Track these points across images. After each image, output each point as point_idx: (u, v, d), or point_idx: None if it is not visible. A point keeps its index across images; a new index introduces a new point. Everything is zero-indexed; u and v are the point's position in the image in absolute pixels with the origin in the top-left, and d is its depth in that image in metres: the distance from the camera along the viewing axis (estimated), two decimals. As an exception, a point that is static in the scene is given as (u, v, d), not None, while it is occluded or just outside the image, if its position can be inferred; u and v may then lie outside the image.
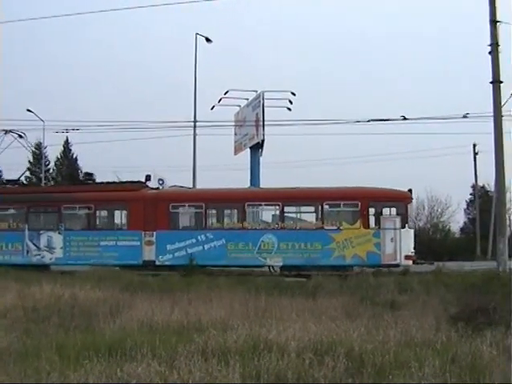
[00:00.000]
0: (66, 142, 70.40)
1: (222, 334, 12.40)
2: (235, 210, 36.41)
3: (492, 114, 32.28)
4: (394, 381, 9.38)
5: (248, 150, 49.19)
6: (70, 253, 36.21)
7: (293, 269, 33.98)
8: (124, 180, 39.53)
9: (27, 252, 36.52)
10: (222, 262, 34.82)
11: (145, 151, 79.87)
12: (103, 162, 78.45)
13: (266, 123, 46.37)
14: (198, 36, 51.91)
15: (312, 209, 35.94)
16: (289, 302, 18.36)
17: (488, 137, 33.27)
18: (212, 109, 50.49)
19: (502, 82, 32.21)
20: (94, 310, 16.92)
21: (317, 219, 35.01)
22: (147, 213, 35.48)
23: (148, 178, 38.12)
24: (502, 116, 32.28)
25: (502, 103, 32.62)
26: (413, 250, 34.25)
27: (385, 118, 40.86)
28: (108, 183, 38.73)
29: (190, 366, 9.98)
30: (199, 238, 34.85)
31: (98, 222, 37.95)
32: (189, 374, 9.54)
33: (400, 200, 34.59)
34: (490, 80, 32.30)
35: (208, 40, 52.65)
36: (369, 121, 40.92)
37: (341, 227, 34.44)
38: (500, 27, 32.13)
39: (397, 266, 33.81)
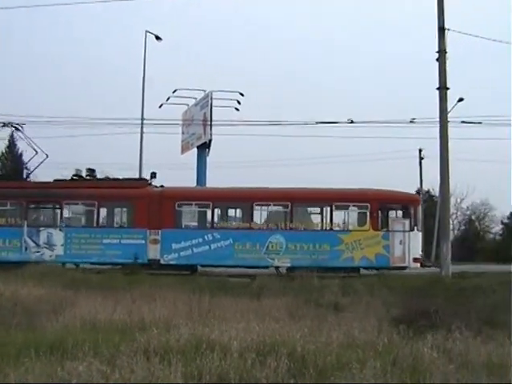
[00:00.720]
0: (11, 137, 69.94)
1: (165, 334, 11.69)
2: (243, 210, 35.26)
3: (438, 119, 32.90)
4: (336, 382, 8.96)
5: (195, 149, 48.40)
6: (71, 250, 34.34)
7: (300, 270, 32.01)
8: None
9: (26, 249, 34.43)
10: (228, 263, 33.56)
11: (93, 148, 79.19)
12: (50, 158, 77.05)
13: (213, 123, 45.73)
14: (148, 34, 51.77)
15: (321, 209, 34.87)
16: (233, 302, 17.61)
17: (434, 142, 32.83)
18: (160, 107, 48.40)
19: (448, 89, 32.08)
20: (36, 307, 15.95)
21: (326, 220, 34.38)
22: (153, 211, 34.01)
23: (153, 175, 36.54)
24: (447, 122, 32.69)
25: (449, 109, 33.13)
26: (421, 253, 34.31)
27: (332, 120, 41.62)
28: (111, 180, 37.83)
29: (132, 364, 9.42)
30: (206, 237, 33.65)
31: (100, 219, 35.82)
32: (130, 373, 9.05)
33: (409, 202, 34.34)
34: (437, 86, 32.85)
35: (158, 38, 52.05)
36: (317, 123, 41.08)
37: (350, 228, 33.98)
38: (448, 34, 32.67)
39: (405, 268, 32.84)
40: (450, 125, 31.77)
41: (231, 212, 36.50)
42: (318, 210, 35.35)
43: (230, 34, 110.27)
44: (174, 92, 48.56)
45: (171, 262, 33.69)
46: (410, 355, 10.40)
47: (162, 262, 33.73)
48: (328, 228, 33.89)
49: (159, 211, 33.95)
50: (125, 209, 36.71)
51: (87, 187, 35.67)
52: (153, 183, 36.33)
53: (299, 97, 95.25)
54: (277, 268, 33.76)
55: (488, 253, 64.39)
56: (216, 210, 35.02)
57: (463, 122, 36.13)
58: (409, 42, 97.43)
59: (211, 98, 46.61)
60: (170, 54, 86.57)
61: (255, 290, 21.76)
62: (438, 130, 31.36)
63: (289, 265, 33.19)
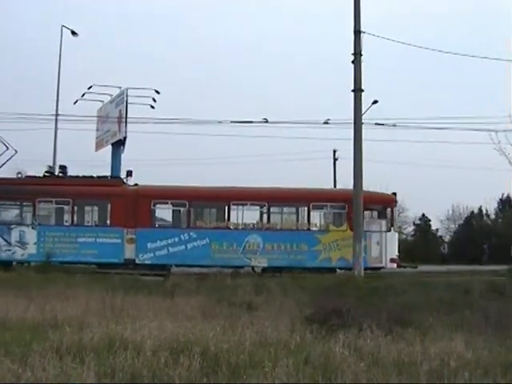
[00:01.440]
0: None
1: (78, 332, 11.22)
2: (220, 209, 34.64)
3: (352, 121, 31.96)
4: (249, 380, 8.69)
5: (110, 146, 46.32)
6: (44, 249, 33.05)
7: (277, 270, 31.63)
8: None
9: None
10: (205, 262, 32.24)
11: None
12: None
13: (128, 120, 44.87)
14: (64, 28, 48.62)
15: (299, 210, 34.61)
16: (146, 301, 17.17)
17: (348, 143, 32.49)
18: (75, 103, 47.28)
19: (363, 91, 31.37)
20: None
21: (303, 220, 34.28)
22: (129, 209, 33.21)
23: (129, 173, 35.52)
24: (361, 123, 31.77)
25: (363, 111, 32.80)
26: (397, 253, 33.89)
27: (248, 120, 41.67)
28: (85, 177, 35.37)
29: (44, 363, 8.98)
30: (182, 236, 33.22)
31: (75, 218, 34.53)
32: (43, 372, 8.63)
33: (386, 203, 34.00)
34: (352, 88, 33.07)
35: (74, 33, 50.90)
36: (231, 122, 41.05)
37: (327, 229, 33.83)
38: (363, 37, 33.06)
39: (381, 268, 32.92)
40: (364, 126, 31.69)
41: (208, 211, 35.78)
42: (295, 209, 34.84)
43: (148, 31, 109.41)
44: (89, 88, 47.24)
45: (146, 262, 32.60)
46: (321, 354, 10.07)
47: (137, 261, 33.01)
48: (305, 228, 33.55)
49: (135, 210, 33.26)
50: (101, 207, 35.22)
51: (61, 184, 34.69)
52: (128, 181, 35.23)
53: (218, 96, 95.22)
54: (253, 268, 33.45)
55: (401, 253, 65.55)
56: (192, 209, 34.21)
57: (377, 123, 36.48)
58: (327, 43, 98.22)
59: (127, 95, 45.02)
60: (85, 50, 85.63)
61: (168, 288, 21.13)
62: (352, 131, 31.88)
63: (266, 265, 32.81)
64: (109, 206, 34.16)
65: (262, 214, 34.32)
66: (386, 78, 78.68)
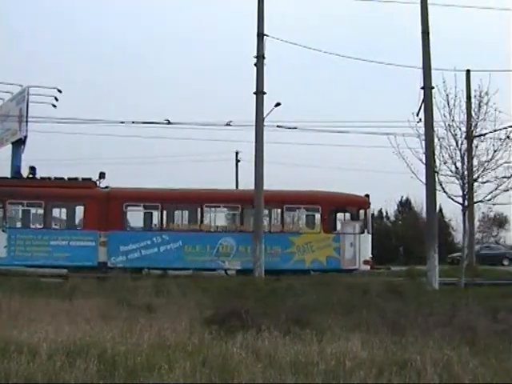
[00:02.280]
0: None
1: None
2: (193, 211, 34.13)
3: (254, 123, 31.99)
4: (144, 382, 8.81)
5: (10, 145, 43.67)
6: (15, 252, 32.27)
7: (251, 273, 30.53)
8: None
9: None
10: (178, 265, 31.97)
11: None
12: None
13: (30, 119, 43.26)
14: None
15: (272, 212, 34.29)
16: (44, 304, 16.84)
17: (251, 145, 32.60)
18: None
19: (265, 93, 31.70)
20: None
21: (277, 222, 34.27)
22: (103, 212, 32.71)
23: (101, 175, 34.28)
24: (263, 126, 31.84)
25: (265, 114, 32.73)
26: (370, 255, 33.56)
27: (149, 120, 41.39)
28: (57, 179, 34.38)
29: None
30: (154, 239, 32.90)
31: (48, 220, 34.00)
32: None
33: (359, 205, 34.11)
34: (254, 90, 32.61)
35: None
36: (133, 123, 40.90)
37: (301, 231, 33.88)
38: (266, 40, 33.21)
39: (355, 270, 32.68)
40: (266, 129, 31.91)
41: (180, 214, 35.19)
42: (268, 212, 34.12)
43: (46, 26, 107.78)
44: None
45: (119, 265, 31.58)
46: (219, 355, 10.16)
47: (109, 264, 32.14)
48: (279, 230, 33.48)
49: (107, 212, 32.55)
50: (74, 209, 34.27)
51: (33, 186, 33.53)
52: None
53: (121, 96, 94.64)
54: (226, 271, 33.10)
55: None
56: (165, 212, 33.95)
57: (278, 126, 36.75)
58: (230, 45, 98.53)
59: (28, 94, 44.76)
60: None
61: (68, 290, 20.66)
62: (253, 133, 32.08)
63: (239, 267, 32.57)
64: (82, 208, 33.57)
65: (235, 216, 34.43)
66: (291, 81, 79.40)
